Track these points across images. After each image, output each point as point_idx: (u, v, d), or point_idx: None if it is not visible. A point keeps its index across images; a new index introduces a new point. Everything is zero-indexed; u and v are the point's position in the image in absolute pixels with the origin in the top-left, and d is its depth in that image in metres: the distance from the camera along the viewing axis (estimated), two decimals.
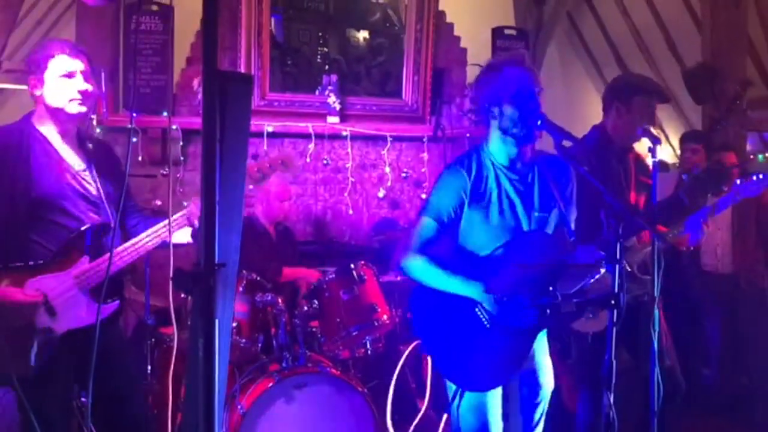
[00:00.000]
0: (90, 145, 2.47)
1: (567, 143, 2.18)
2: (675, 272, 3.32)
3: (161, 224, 2.39)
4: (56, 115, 2.34)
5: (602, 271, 2.13)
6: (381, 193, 5.13)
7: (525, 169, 2.29)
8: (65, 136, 2.39)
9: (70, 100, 2.32)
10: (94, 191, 2.40)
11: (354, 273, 3.44)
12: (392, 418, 2.54)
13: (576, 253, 2.15)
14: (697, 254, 4.33)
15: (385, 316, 3.40)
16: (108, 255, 2.28)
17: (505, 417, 2.30)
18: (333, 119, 4.89)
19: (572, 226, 2.31)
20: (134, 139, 4.43)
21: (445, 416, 2.20)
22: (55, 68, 2.30)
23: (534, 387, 2.30)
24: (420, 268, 2.21)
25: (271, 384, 3.01)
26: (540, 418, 2.32)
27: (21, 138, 2.30)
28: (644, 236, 2.78)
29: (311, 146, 4.91)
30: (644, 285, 2.80)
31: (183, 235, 2.48)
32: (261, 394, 2.99)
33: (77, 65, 2.33)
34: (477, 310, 2.09)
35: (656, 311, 2.36)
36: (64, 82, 2.31)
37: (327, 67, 5.03)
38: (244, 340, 3.33)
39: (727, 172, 2.54)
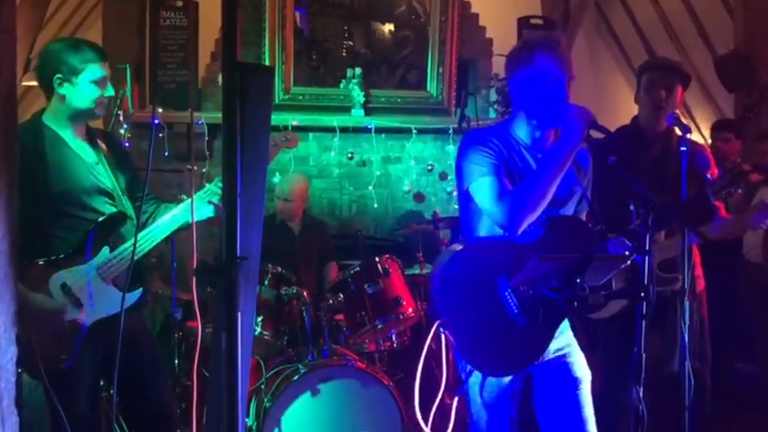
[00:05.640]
0: (99, 140, 2.53)
1: (596, 133, 2.14)
2: (715, 264, 3.22)
3: (179, 207, 2.44)
4: (77, 114, 2.40)
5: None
6: (406, 186, 5.10)
7: None
8: (77, 132, 2.44)
9: (98, 106, 2.40)
10: (108, 184, 2.46)
11: (379, 266, 3.44)
12: (419, 409, 2.53)
13: (607, 245, 2.11)
14: (739, 245, 4.20)
15: (410, 309, 3.39)
16: (128, 243, 2.34)
17: (547, 416, 2.26)
18: (358, 112, 4.88)
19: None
20: (160, 135, 4.47)
21: (456, 399, 2.16)
22: (89, 74, 2.36)
23: (571, 381, 2.24)
24: (517, 198, 2.07)
25: (296, 377, 3.01)
26: (589, 412, 2.25)
27: (35, 135, 2.35)
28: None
29: (336, 140, 4.90)
30: (667, 282, 2.75)
31: (204, 211, 2.49)
32: (287, 387, 2.99)
33: (106, 73, 2.41)
34: (507, 294, 2.05)
35: (686, 304, 2.31)
36: (94, 88, 2.37)
37: (352, 60, 5.01)
38: (269, 334, 3.34)
39: (744, 175, 2.50)
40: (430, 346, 2.95)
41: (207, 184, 2.48)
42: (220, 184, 2.35)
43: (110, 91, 2.41)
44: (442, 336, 2.11)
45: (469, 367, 2.18)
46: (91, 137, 2.50)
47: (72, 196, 2.35)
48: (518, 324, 2.06)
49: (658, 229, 2.58)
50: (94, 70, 2.36)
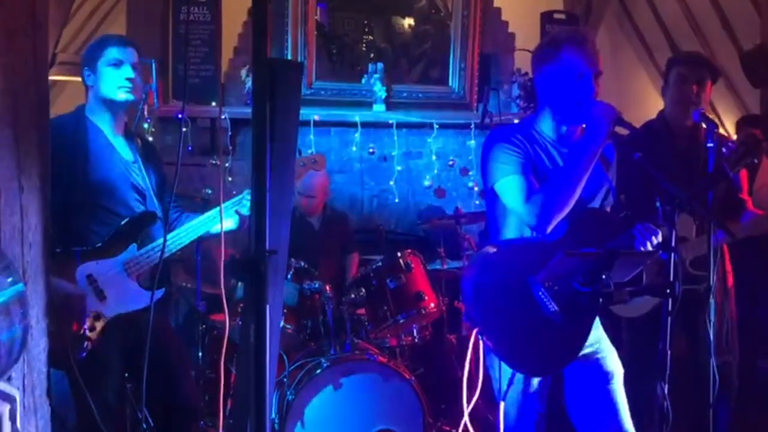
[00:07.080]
0: (138, 140, 2.60)
1: (620, 129, 2.13)
2: (743, 259, 3.18)
3: (208, 213, 2.48)
4: (107, 104, 2.46)
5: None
6: (427, 182, 5.10)
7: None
8: (116, 128, 2.51)
9: (119, 88, 2.43)
10: (141, 183, 2.52)
11: (401, 261, 3.44)
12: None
13: (633, 232, 2.10)
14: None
15: (432, 304, 3.40)
16: (155, 243, 2.39)
17: (581, 412, 2.26)
18: (379, 107, 4.88)
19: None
20: (184, 129, 4.50)
21: (502, 404, 2.17)
22: (105, 58, 2.43)
23: (604, 376, 2.24)
24: (546, 198, 2.08)
25: (319, 371, 3.03)
26: (623, 406, 2.25)
27: (77, 127, 2.43)
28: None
29: (357, 135, 4.91)
30: (699, 280, 2.72)
31: (228, 223, 2.54)
32: (309, 380, 3.01)
33: (126, 56, 2.45)
34: (541, 293, 2.04)
35: (711, 301, 2.30)
36: (112, 70, 2.43)
37: (372, 55, 5.01)
38: (291, 327, 3.36)
39: (759, 145, 2.46)
40: (450, 340, 2.95)
41: (233, 192, 2.53)
42: (249, 197, 2.38)
43: (127, 72, 2.43)
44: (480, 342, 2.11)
45: (496, 361, 2.18)
46: (130, 137, 2.56)
47: (106, 188, 2.40)
48: (556, 322, 2.05)
49: (680, 210, 2.57)
50: (111, 51, 2.43)
